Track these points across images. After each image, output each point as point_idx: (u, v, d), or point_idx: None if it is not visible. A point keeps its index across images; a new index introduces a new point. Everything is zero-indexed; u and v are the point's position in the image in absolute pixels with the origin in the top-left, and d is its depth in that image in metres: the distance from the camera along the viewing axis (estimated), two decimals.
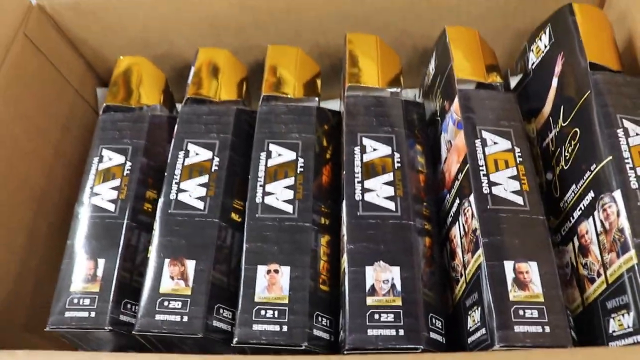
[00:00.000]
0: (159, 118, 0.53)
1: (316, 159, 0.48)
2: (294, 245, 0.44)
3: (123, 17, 0.56)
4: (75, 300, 0.45)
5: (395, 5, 0.56)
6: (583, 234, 0.42)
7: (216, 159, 0.48)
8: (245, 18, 0.57)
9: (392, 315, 0.39)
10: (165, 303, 0.43)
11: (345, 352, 0.38)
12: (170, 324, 0.42)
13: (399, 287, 0.40)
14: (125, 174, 0.50)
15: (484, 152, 0.43)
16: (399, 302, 0.40)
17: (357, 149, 0.46)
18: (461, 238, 0.43)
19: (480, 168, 0.43)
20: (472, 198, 0.42)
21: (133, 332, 0.42)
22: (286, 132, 0.49)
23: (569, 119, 0.45)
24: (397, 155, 0.46)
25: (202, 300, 0.43)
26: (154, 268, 0.44)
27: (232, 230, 0.46)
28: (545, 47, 0.49)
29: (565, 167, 0.45)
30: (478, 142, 0.44)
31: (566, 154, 0.45)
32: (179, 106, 0.53)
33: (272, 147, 0.48)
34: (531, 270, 0.39)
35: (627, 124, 0.41)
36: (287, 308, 0.41)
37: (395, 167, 0.45)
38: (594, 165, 0.41)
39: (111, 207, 0.49)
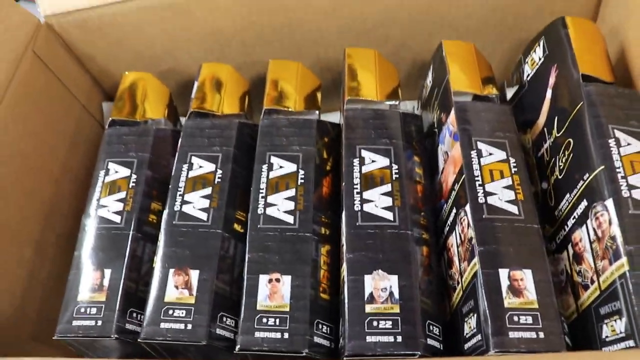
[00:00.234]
0: (164, 132, 0.55)
1: (316, 170, 0.49)
2: (295, 255, 0.45)
3: (129, 34, 0.58)
4: (83, 310, 0.46)
5: (394, 19, 0.58)
6: (577, 241, 0.43)
7: (219, 172, 0.50)
8: (248, 34, 0.59)
9: (390, 322, 0.40)
10: (170, 312, 0.44)
11: (344, 358, 0.39)
12: (175, 332, 0.43)
13: (397, 295, 0.41)
14: (130, 187, 0.51)
15: (479, 163, 0.45)
16: (397, 310, 0.41)
17: (356, 161, 0.47)
18: (458, 247, 0.44)
19: (476, 178, 0.44)
20: (468, 208, 0.43)
21: (139, 340, 0.44)
22: (287, 144, 0.50)
23: (563, 130, 0.46)
24: (395, 166, 0.47)
25: (205, 308, 0.44)
26: (159, 278, 0.45)
27: (234, 240, 0.48)
28: (540, 59, 0.50)
29: (560, 177, 0.46)
30: (474, 153, 0.45)
31: (560, 163, 0.46)
32: (183, 120, 0.54)
33: (273, 159, 0.49)
34: (526, 277, 0.40)
35: (618, 134, 0.42)
36: (288, 316, 0.42)
37: (394, 178, 0.46)
38: (587, 175, 0.42)
39: (117, 218, 0.50)
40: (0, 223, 0.51)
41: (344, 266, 0.43)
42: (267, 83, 0.54)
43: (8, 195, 0.52)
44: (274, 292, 0.43)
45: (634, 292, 0.37)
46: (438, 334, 0.42)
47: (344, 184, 0.46)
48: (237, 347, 0.42)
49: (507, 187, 0.44)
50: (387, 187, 0.46)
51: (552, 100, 0.48)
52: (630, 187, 0.40)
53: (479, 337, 0.39)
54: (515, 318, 0.38)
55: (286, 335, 0.42)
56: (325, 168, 0.50)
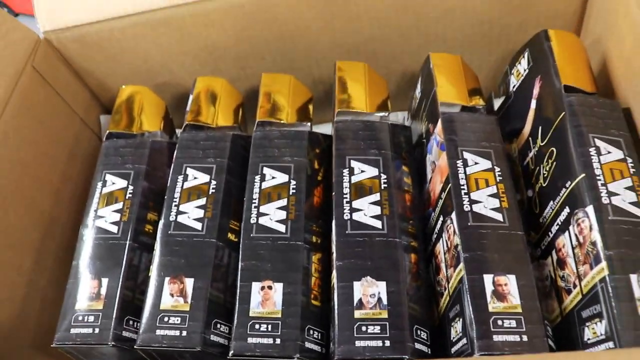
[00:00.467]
0: (160, 144, 0.56)
1: (308, 181, 0.50)
2: (286, 263, 0.46)
3: (126, 48, 0.59)
4: (80, 318, 0.48)
5: (384, 33, 0.59)
6: (560, 247, 0.44)
7: (213, 182, 0.51)
8: (242, 48, 0.60)
9: (378, 327, 0.42)
10: (166, 319, 0.45)
11: None
12: (170, 339, 0.44)
13: (385, 301, 0.43)
14: (127, 197, 0.53)
15: (465, 172, 0.46)
16: (385, 315, 0.42)
17: (345, 171, 0.48)
18: (445, 253, 0.45)
19: (462, 187, 0.45)
20: (454, 215, 0.44)
21: (135, 347, 0.45)
22: (279, 155, 0.51)
23: (547, 139, 0.47)
24: (383, 176, 0.48)
25: (200, 315, 0.45)
26: (155, 286, 0.46)
27: (228, 249, 0.49)
28: (525, 70, 0.52)
29: (544, 185, 0.47)
30: (460, 163, 0.46)
31: (544, 172, 0.47)
32: (178, 132, 0.56)
33: (265, 170, 0.50)
34: (510, 282, 0.41)
35: (599, 142, 0.43)
36: (280, 322, 0.44)
37: (382, 188, 0.48)
38: (569, 182, 0.43)
39: (114, 229, 0.51)
40: (0, 232, 0.53)
41: (334, 273, 0.44)
42: (260, 96, 0.55)
43: (8, 205, 0.53)
44: (266, 299, 0.45)
45: (614, 296, 0.38)
46: (426, 338, 0.43)
47: (334, 193, 0.47)
48: (231, 352, 0.43)
49: (492, 195, 0.45)
50: (376, 197, 0.47)
51: (536, 110, 0.49)
52: (610, 194, 0.41)
53: (464, 340, 0.41)
54: (500, 322, 0.40)
55: (278, 341, 0.43)
56: (316, 178, 0.51)
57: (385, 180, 0.48)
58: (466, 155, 0.47)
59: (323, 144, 0.53)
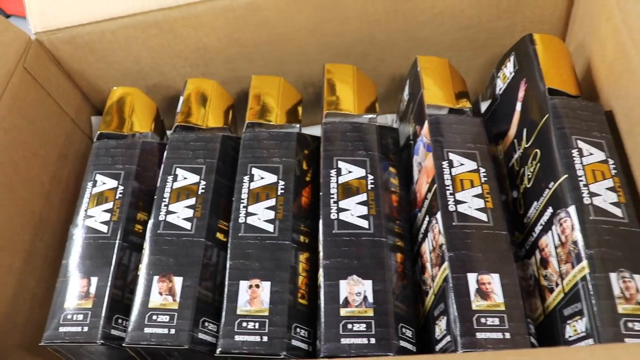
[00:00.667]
0: (150, 144, 0.57)
1: (296, 181, 0.51)
2: (274, 262, 0.47)
3: (117, 50, 0.60)
4: (69, 316, 0.48)
5: (372, 37, 0.60)
6: (543, 247, 0.45)
7: (203, 183, 0.52)
8: (232, 50, 0.61)
9: (364, 325, 0.42)
10: (154, 317, 0.45)
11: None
12: (158, 337, 0.45)
13: (370, 299, 0.43)
14: (117, 197, 0.53)
15: (450, 173, 0.47)
16: (370, 313, 0.43)
17: (333, 172, 0.49)
18: (430, 253, 0.46)
19: (447, 187, 0.46)
20: (439, 215, 0.45)
21: (123, 345, 0.45)
22: (268, 156, 0.52)
23: (531, 141, 0.48)
24: (370, 177, 0.49)
25: (188, 314, 0.46)
26: (144, 284, 0.47)
27: (217, 249, 0.49)
28: (511, 73, 0.53)
29: (528, 186, 0.48)
30: (445, 164, 0.47)
31: (529, 173, 0.48)
32: (169, 133, 0.56)
33: (254, 170, 0.51)
34: (493, 281, 0.42)
35: (581, 144, 0.44)
36: (267, 320, 0.44)
37: (369, 188, 0.48)
38: (552, 183, 0.44)
39: (104, 228, 0.52)
40: None
41: (321, 272, 0.45)
42: (249, 98, 0.56)
43: None
44: (253, 297, 0.45)
45: (594, 294, 0.39)
46: (411, 336, 0.44)
47: (321, 193, 0.48)
48: (218, 350, 0.43)
49: (477, 196, 0.46)
50: (363, 197, 0.48)
51: (521, 112, 0.50)
52: (592, 195, 0.42)
53: (448, 338, 0.41)
54: (483, 320, 0.40)
55: (265, 339, 0.44)
56: (305, 179, 0.52)
57: (372, 181, 0.49)
58: (452, 156, 0.47)
59: (312, 146, 0.54)
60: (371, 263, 0.45)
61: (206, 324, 0.46)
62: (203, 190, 0.51)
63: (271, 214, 0.49)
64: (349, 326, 0.42)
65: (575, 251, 0.41)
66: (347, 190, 0.48)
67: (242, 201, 0.50)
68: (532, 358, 0.33)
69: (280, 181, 0.50)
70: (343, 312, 0.43)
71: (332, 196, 0.48)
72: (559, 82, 0.48)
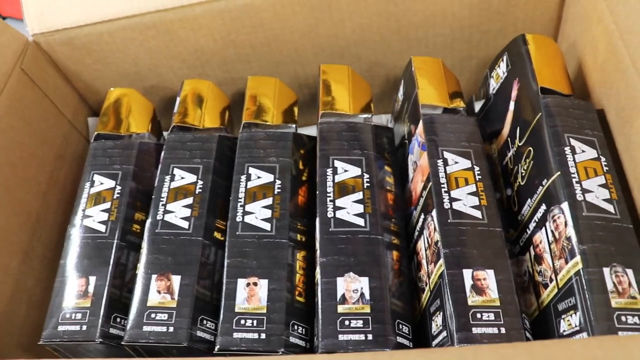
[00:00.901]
0: (147, 145, 0.57)
1: (292, 180, 0.51)
2: (271, 260, 0.47)
3: (114, 52, 0.60)
4: (68, 315, 0.48)
5: (366, 39, 0.61)
6: (537, 243, 0.45)
7: (200, 182, 0.52)
8: (228, 52, 0.61)
9: (361, 322, 0.43)
10: (153, 315, 0.46)
11: None
12: (157, 335, 0.45)
13: (367, 296, 0.44)
14: (115, 197, 0.53)
15: (445, 171, 0.47)
16: (367, 310, 0.43)
17: (329, 171, 0.49)
18: (426, 250, 0.47)
19: (442, 185, 0.47)
20: (434, 213, 0.45)
21: (122, 343, 0.45)
22: (265, 156, 0.52)
23: (524, 139, 0.49)
24: (366, 175, 0.49)
25: (186, 312, 0.46)
26: (142, 283, 0.47)
27: (215, 248, 0.50)
28: (504, 73, 0.53)
29: (522, 183, 0.48)
30: (440, 162, 0.48)
31: (522, 171, 0.48)
32: (166, 134, 0.57)
33: (251, 170, 0.51)
34: (488, 277, 0.42)
35: (574, 142, 0.45)
36: (265, 317, 0.45)
37: (365, 187, 0.49)
38: (545, 181, 0.45)
39: (102, 228, 0.52)
40: None
41: (318, 269, 0.45)
42: (245, 98, 0.57)
43: None
44: (251, 295, 0.46)
45: (587, 288, 0.39)
46: (408, 332, 0.44)
47: (317, 192, 0.48)
48: (217, 347, 0.44)
49: (472, 194, 0.46)
50: (359, 195, 0.48)
51: (514, 112, 0.51)
52: (584, 191, 0.43)
53: (444, 333, 0.42)
54: (479, 315, 0.41)
55: (263, 336, 0.44)
56: (301, 178, 0.52)
57: (368, 180, 0.49)
58: (446, 154, 0.48)
59: (308, 145, 0.55)
60: (367, 260, 0.45)
61: (204, 321, 0.46)
62: (200, 190, 0.52)
63: (268, 213, 0.49)
64: (346, 323, 0.43)
65: (568, 247, 0.41)
66: (343, 189, 0.49)
67: (239, 200, 0.50)
68: (527, 351, 0.34)
69: (277, 180, 0.51)
70: (340, 309, 0.43)
71: (328, 195, 0.48)
72: (552, 81, 0.49)
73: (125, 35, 0.58)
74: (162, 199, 0.51)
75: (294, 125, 0.56)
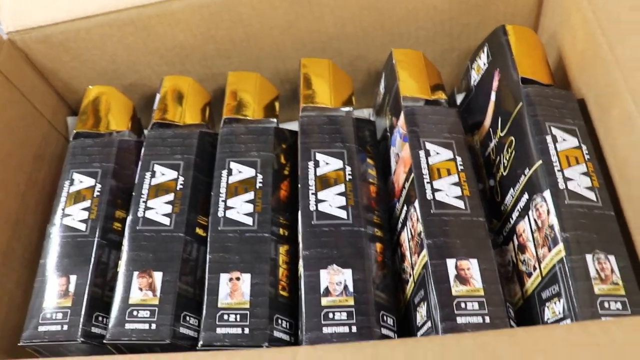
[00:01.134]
0: (127, 143, 0.57)
1: (274, 175, 0.51)
2: (254, 254, 0.47)
3: (92, 49, 0.60)
4: (48, 315, 0.48)
5: (347, 33, 0.60)
6: (520, 233, 0.45)
7: (181, 179, 0.52)
8: (208, 47, 0.61)
9: (345, 314, 0.42)
10: (135, 312, 0.45)
11: None
12: (140, 332, 0.45)
13: (351, 288, 0.43)
14: (95, 196, 0.53)
15: (427, 162, 0.47)
16: (351, 302, 0.43)
17: (311, 164, 0.49)
18: (409, 241, 0.46)
19: (424, 176, 0.46)
20: (417, 204, 0.45)
21: (104, 342, 0.45)
22: (246, 150, 0.52)
23: (506, 129, 0.49)
24: (348, 168, 0.49)
25: (169, 309, 0.45)
26: (124, 280, 0.47)
27: (197, 244, 0.49)
28: (485, 64, 0.53)
29: (504, 173, 0.48)
30: (422, 153, 0.47)
31: (504, 161, 0.48)
32: (146, 131, 0.56)
33: (232, 165, 0.51)
34: (472, 267, 0.42)
35: (555, 131, 0.45)
36: (248, 312, 0.44)
37: (347, 179, 0.49)
38: (527, 170, 0.45)
39: (82, 226, 0.51)
40: None
41: (301, 262, 0.45)
42: (226, 94, 0.56)
43: None
44: (234, 290, 0.45)
45: (571, 275, 0.39)
46: (392, 324, 0.44)
47: (299, 185, 0.48)
48: (200, 343, 0.43)
49: (454, 184, 0.46)
50: (341, 188, 0.48)
51: (496, 102, 0.51)
52: (566, 179, 0.43)
53: (429, 324, 0.42)
54: (463, 305, 0.41)
55: (247, 331, 0.44)
56: (283, 173, 0.52)
57: (350, 173, 0.49)
58: (428, 146, 0.48)
59: (289, 140, 0.54)
60: (350, 252, 0.45)
61: (187, 318, 0.46)
62: (181, 186, 0.51)
63: (250, 208, 0.49)
64: (330, 315, 0.42)
65: (551, 235, 0.41)
66: (325, 182, 0.48)
67: (220, 195, 0.50)
68: (510, 337, 0.34)
69: (258, 175, 0.50)
70: (324, 301, 0.43)
71: (310, 188, 0.48)
72: (532, 71, 0.49)
73: (103, 32, 0.57)
74: (142, 196, 0.51)
75: (275, 120, 0.56)
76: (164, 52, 0.61)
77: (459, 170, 0.47)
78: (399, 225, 0.49)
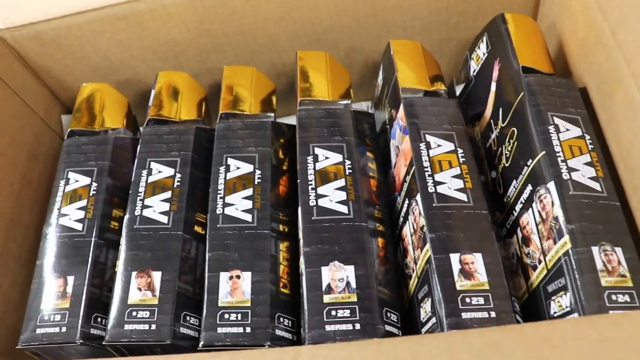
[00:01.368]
0: (123, 140, 0.56)
1: (273, 170, 0.50)
2: (254, 251, 0.46)
3: (84, 45, 0.59)
4: (47, 317, 0.47)
5: (342, 25, 0.59)
6: (524, 225, 0.45)
7: (178, 176, 0.51)
8: (202, 42, 0.60)
9: (348, 311, 0.42)
10: (134, 313, 0.44)
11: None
12: (139, 333, 0.44)
13: (353, 285, 0.43)
14: (91, 195, 0.52)
15: (428, 154, 0.46)
16: (354, 299, 0.42)
17: (310, 158, 0.48)
18: (411, 236, 0.46)
19: (426, 169, 0.46)
20: (418, 197, 0.45)
21: (103, 343, 0.44)
22: (243, 146, 0.51)
23: (507, 120, 0.48)
24: (348, 162, 0.48)
25: (169, 308, 0.45)
26: (122, 281, 0.46)
27: (196, 242, 0.49)
28: (484, 54, 0.52)
29: (507, 165, 0.48)
30: (423, 145, 0.47)
31: (506, 152, 0.48)
32: (142, 128, 0.55)
33: (230, 161, 0.50)
34: (476, 260, 0.42)
35: (557, 120, 0.44)
36: (249, 311, 0.44)
37: (347, 173, 0.48)
38: (530, 161, 0.44)
39: (79, 226, 0.50)
40: None
41: (302, 259, 0.44)
42: (222, 88, 0.55)
43: None
44: (234, 288, 0.44)
45: (577, 268, 0.39)
46: (396, 320, 0.43)
47: (299, 180, 0.47)
48: (201, 343, 0.43)
49: (456, 177, 0.45)
50: (341, 182, 0.47)
51: (496, 92, 0.50)
52: (570, 170, 0.42)
53: (434, 320, 0.41)
54: (468, 299, 0.40)
55: (248, 330, 0.43)
56: (281, 168, 0.51)
57: (350, 166, 0.48)
58: (429, 138, 0.47)
59: (287, 134, 0.53)
60: (352, 248, 0.44)
61: (187, 317, 0.45)
62: (179, 183, 0.50)
63: (249, 204, 0.48)
64: (333, 313, 0.42)
65: (556, 227, 0.41)
66: (325, 177, 0.48)
67: (218, 192, 0.49)
68: (517, 333, 0.33)
69: (256, 170, 0.50)
70: (326, 298, 0.42)
71: (309, 183, 0.47)
72: (533, 60, 0.48)
73: (95, 28, 0.56)
74: (139, 194, 0.50)
75: (272, 114, 0.55)
76: (157, 48, 0.60)
77: (461, 162, 0.46)
78: (401, 219, 0.48)
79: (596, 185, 0.42)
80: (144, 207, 0.49)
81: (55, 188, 0.53)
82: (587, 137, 0.44)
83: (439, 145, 0.47)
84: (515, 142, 0.46)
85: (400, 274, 0.48)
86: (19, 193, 0.59)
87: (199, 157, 0.52)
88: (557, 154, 0.43)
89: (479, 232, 0.43)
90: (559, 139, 0.43)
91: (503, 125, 0.48)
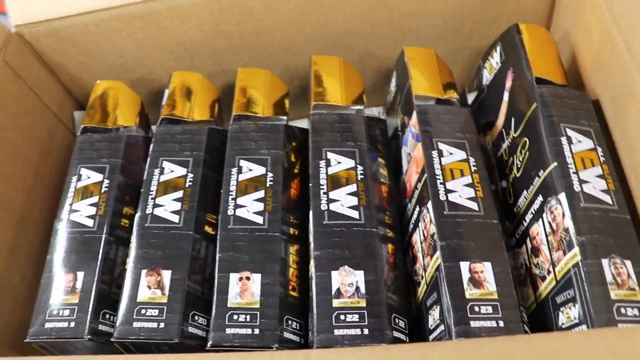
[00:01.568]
0: (135, 138, 0.56)
1: (285, 173, 0.50)
2: (264, 254, 0.46)
3: (100, 43, 0.59)
4: (55, 312, 0.47)
5: (358, 28, 0.60)
6: (534, 235, 0.45)
7: (190, 175, 0.51)
8: (218, 43, 0.60)
9: (357, 316, 0.42)
10: (143, 311, 0.45)
11: None
12: (148, 331, 0.44)
13: (363, 290, 0.43)
14: (103, 191, 0.52)
15: (440, 162, 0.47)
16: (363, 304, 0.42)
17: (322, 163, 0.49)
18: (421, 243, 0.46)
19: (437, 177, 0.46)
20: (430, 205, 0.45)
21: (111, 340, 0.44)
22: (256, 148, 0.51)
23: (519, 130, 0.48)
24: (360, 167, 0.49)
25: (178, 307, 0.45)
26: (132, 278, 0.46)
27: (206, 242, 0.49)
28: (497, 64, 0.53)
29: (518, 175, 0.48)
30: (435, 153, 0.47)
31: (518, 162, 0.48)
32: (154, 128, 0.55)
33: (242, 162, 0.50)
34: (486, 269, 0.42)
35: (570, 132, 0.44)
36: (258, 312, 0.44)
37: (359, 179, 0.48)
38: (542, 171, 0.44)
39: (90, 222, 0.51)
40: None
41: (312, 263, 0.44)
42: (235, 90, 0.55)
43: None
44: (244, 289, 0.45)
45: (586, 280, 0.39)
46: (404, 326, 0.44)
47: (310, 184, 0.48)
48: (209, 343, 0.43)
49: (467, 185, 0.46)
50: (353, 187, 0.47)
51: (509, 102, 0.50)
52: (582, 182, 0.42)
53: (442, 327, 0.41)
54: (476, 308, 0.40)
55: (257, 331, 0.43)
56: (293, 171, 0.52)
57: (362, 172, 0.48)
58: (441, 146, 0.47)
59: (299, 137, 0.54)
60: (362, 253, 0.44)
61: (196, 317, 0.45)
62: (190, 183, 0.51)
63: (260, 206, 0.48)
64: (342, 317, 0.42)
65: (566, 238, 0.41)
66: (337, 181, 0.48)
67: (230, 193, 0.49)
68: (527, 343, 0.33)
69: (268, 173, 0.50)
70: (335, 303, 0.42)
71: (321, 187, 0.47)
72: (546, 71, 0.48)
73: (111, 26, 0.57)
74: (151, 193, 0.50)
75: (285, 117, 0.55)
76: (173, 47, 0.60)
77: (472, 171, 0.46)
78: (411, 226, 0.49)
79: (607, 198, 0.42)
80: (155, 205, 0.50)
81: (67, 184, 0.53)
82: (599, 149, 0.44)
83: (451, 154, 0.47)
84: (527, 153, 0.47)
85: (409, 280, 0.48)
86: (31, 189, 0.59)
87: (211, 157, 0.52)
88: (569, 166, 0.43)
89: (489, 242, 0.43)
90: (571, 150, 0.44)
91: (515, 135, 0.49)
